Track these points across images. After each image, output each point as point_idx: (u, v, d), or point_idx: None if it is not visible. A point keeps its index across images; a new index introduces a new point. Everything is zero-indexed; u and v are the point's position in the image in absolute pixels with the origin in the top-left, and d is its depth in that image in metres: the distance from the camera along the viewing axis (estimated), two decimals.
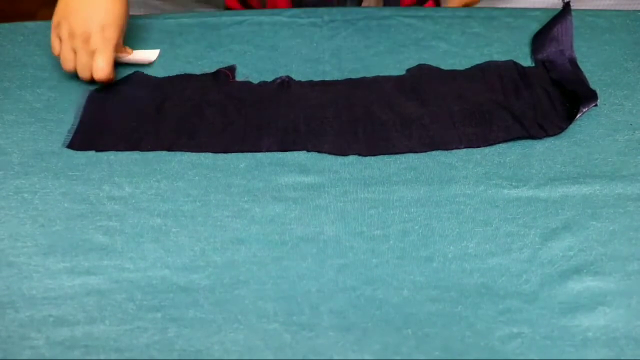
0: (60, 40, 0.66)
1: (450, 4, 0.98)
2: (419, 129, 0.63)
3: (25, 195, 0.57)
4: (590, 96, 0.64)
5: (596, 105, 0.64)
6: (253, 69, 0.70)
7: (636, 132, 0.62)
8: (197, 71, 0.69)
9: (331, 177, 0.59)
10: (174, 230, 0.54)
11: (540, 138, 0.62)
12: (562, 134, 0.62)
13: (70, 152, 0.61)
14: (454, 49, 0.72)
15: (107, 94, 0.67)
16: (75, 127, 0.63)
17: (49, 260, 0.52)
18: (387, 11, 0.77)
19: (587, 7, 0.77)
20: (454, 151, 0.61)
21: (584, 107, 0.63)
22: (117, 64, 0.69)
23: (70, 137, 0.62)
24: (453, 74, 0.69)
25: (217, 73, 0.69)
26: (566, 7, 0.74)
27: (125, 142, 0.62)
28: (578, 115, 0.62)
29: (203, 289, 0.50)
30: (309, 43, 0.73)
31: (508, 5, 0.83)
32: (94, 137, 0.62)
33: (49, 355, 0.46)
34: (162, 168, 0.59)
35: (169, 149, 0.61)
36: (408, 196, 0.57)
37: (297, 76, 0.69)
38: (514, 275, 0.51)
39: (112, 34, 0.65)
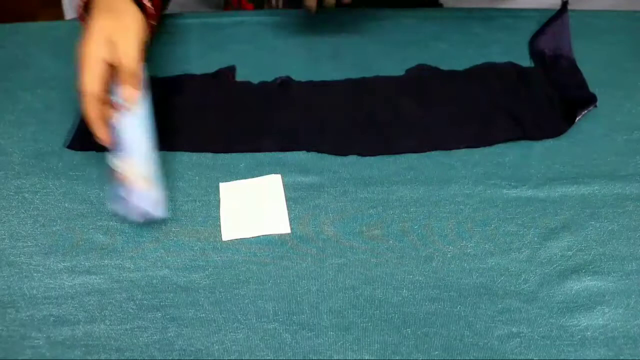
0: None
1: None
2: (419, 129, 0.63)
3: (26, 195, 0.57)
4: (588, 99, 0.64)
5: (595, 106, 0.64)
6: (253, 69, 0.70)
7: (635, 132, 0.62)
8: (197, 71, 0.70)
9: (331, 177, 0.59)
10: (174, 230, 0.54)
11: (538, 139, 0.62)
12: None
13: (71, 152, 0.61)
14: (453, 49, 0.72)
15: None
16: (75, 127, 0.63)
17: (49, 260, 0.52)
18: (387, 11, 0.77)
19: (587, 7, 0.77)
20: (453, 151, 0.61)
21: (583, 110, 0.63)
22: None
23: (71, 137, 0.62)
24: (452, 74, 0.69)
25: (217, 73, 0.69)
26: (563, 7, 0.74)
27: None
28: (577, 119, 0.62)
29: (203, 289, 0.50)
30: (309, 43, 0.73)
31: (508, 6, 0.83)
32: (95, 137, 0.62)
33: (50, 355, 0.46)
34: (162, 168, 0.59)
35: (169, 149, 0.61)
36: (407, 196, 0.57)
37: (297, 76, 0.69)
38: (512, 275, 0.51)
39: None
